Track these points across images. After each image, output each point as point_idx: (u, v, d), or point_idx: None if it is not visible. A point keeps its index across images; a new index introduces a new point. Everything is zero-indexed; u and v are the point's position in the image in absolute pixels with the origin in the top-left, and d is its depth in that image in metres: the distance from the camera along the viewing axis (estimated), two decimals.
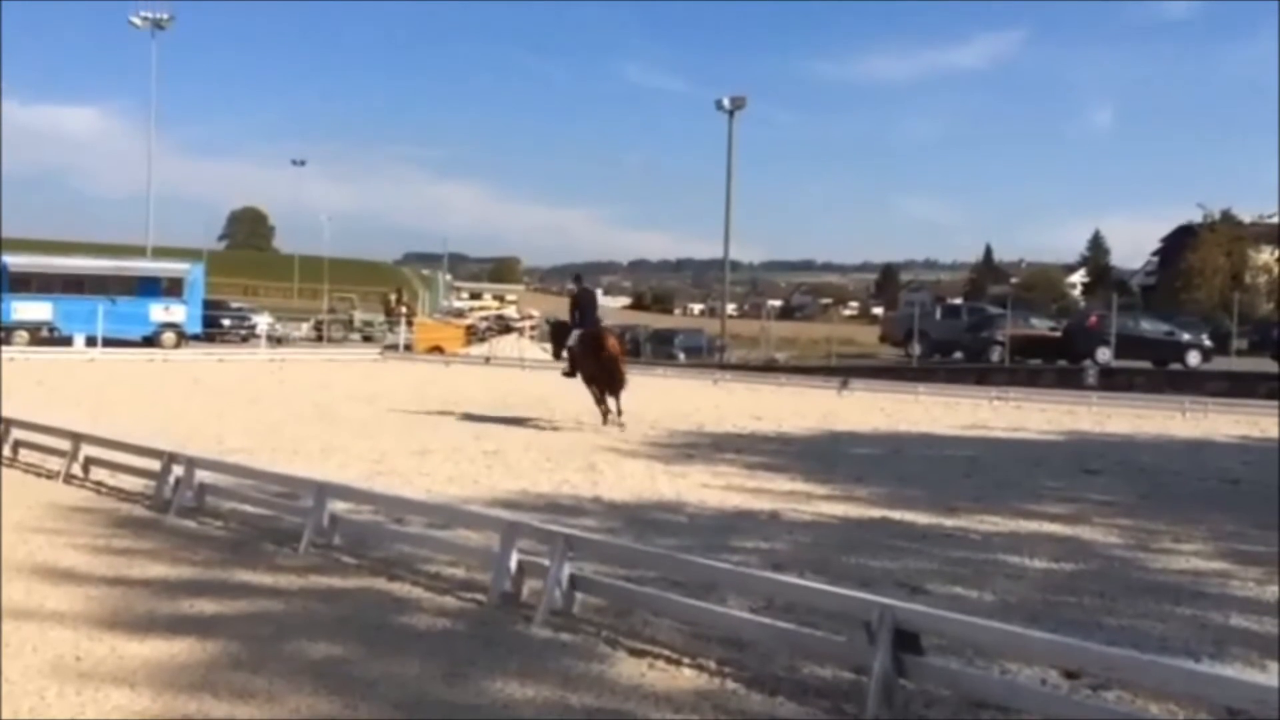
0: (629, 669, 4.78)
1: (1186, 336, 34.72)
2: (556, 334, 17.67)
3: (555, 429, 15.21)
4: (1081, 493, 10.65)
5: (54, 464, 9.82)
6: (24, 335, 34.22)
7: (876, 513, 9.04)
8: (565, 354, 16.25)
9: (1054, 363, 33.53)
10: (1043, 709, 4.17)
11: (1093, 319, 36.37)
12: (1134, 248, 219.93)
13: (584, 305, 16.24)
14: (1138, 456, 14.02)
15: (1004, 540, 8.04)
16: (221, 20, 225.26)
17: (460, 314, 60.47)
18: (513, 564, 5.76)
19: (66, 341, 33.63)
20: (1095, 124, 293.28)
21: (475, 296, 75.62)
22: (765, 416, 18.18)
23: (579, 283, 17.10)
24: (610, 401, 15.38)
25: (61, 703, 4.22)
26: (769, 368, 35.72)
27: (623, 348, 17.82)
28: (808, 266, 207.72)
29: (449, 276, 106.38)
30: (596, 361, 15.36)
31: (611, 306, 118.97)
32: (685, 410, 18.92)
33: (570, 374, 16.15)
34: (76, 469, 9.54)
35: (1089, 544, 8.06)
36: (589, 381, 15.73)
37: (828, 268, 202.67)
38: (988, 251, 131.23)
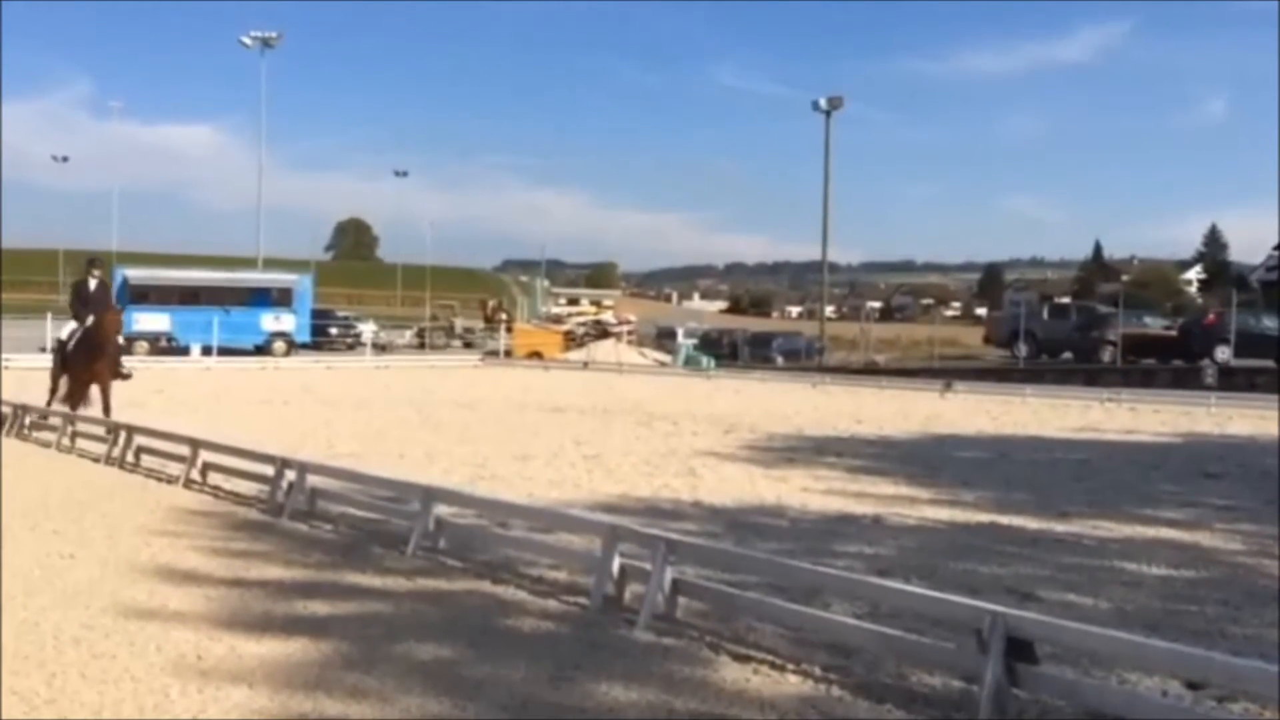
0: (732, 674, 4.76)
1: None
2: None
3: (654, 433, 15.23)
4: (1201, 497, 10.25)
5: (174, 469, 10.19)
6: (144, 345, 35.64)
7: (984, 517, 8.84)
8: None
9: (1169, 363, 32.37)
10: None
11: (1210, 317, 35.05)
12: (1254, 242, 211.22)
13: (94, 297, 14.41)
14: (1261, 460, 13.42)
15: (1119, 546, 7.77)
16: (325, 38, 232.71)
17: (558, 319, 61.07)
18: (615, 568, 5.78)
19: (184, 351, 34.91)
20: (1209, 115, 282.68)
21: (573, 302, 76.21)
22: (866, 420, 17.93)
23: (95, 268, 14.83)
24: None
25: (185, 700, 4.37)
26: (869, 370, 35.24)
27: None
28: (908, 267, 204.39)
29: (547, 282, 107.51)
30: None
31: (708, 310, 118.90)
32: (784, 413, 18.78)
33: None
34: (195, 474, 9.89)
35: (1210, 550, 7.75)
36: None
37: (929, 267, 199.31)
38: (1097, 248, 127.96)
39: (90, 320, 13.86)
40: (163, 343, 36.18)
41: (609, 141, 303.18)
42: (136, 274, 38.13)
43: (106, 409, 13.55)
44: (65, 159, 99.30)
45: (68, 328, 14.54)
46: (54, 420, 13.04)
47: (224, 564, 6.73)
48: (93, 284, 14.48)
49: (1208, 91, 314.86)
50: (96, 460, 11.23)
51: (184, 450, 10.17)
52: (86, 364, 13.77)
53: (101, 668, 4.71)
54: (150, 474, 10.45)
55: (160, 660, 4.84)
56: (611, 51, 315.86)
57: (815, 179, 44.38)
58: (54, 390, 14.32)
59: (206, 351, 33.97)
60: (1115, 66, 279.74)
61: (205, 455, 9.98)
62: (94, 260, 15.07)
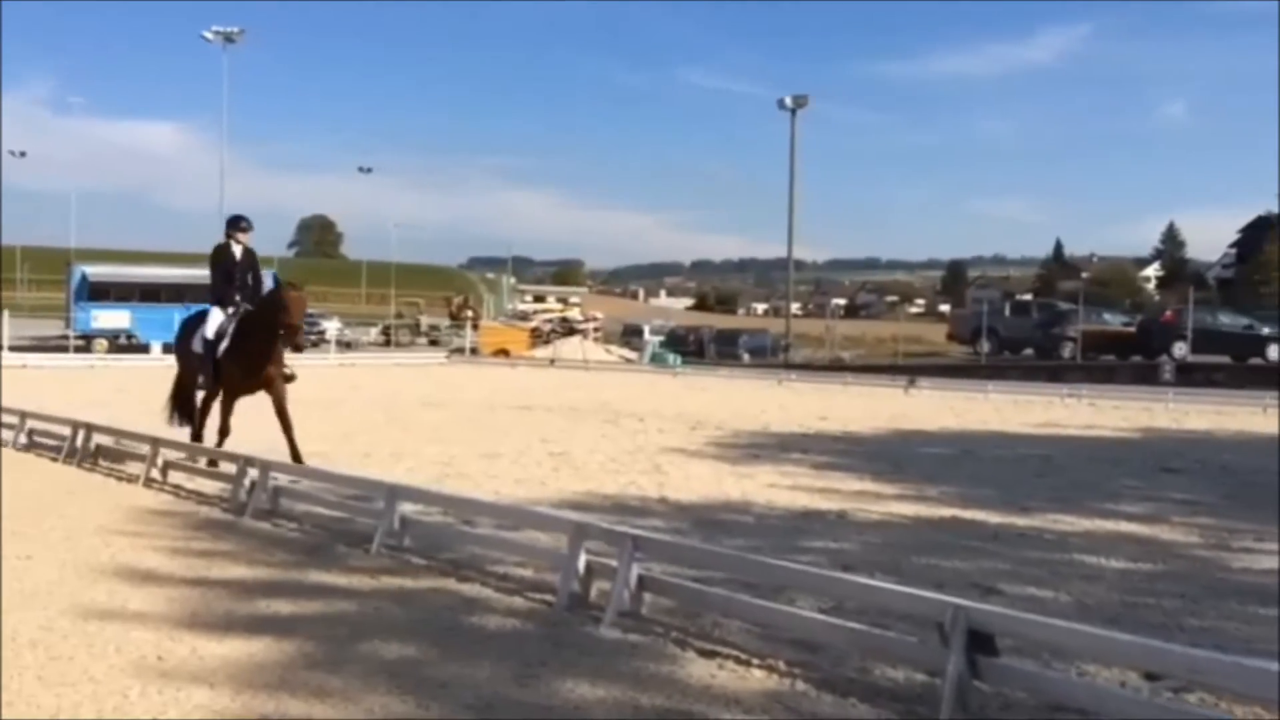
0: (699, 670, 4.77)
1: (1266, 330, 33.74)
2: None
3: (620, 431, 15.23)
4: (1160, 492, 10.40)
5: (134, 469, 10.07)
6: (103, 343, 35.25)
7: (947, 513, 8.92)
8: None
9: (1129, 359, 32.84)
10: (1123, 712, 4.06)
11: (1168, 314, 35.56)
12: (1210, 240, 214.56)
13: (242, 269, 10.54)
14: (1219, 455, 13.64)
15: (1080, 540, 7.87)
16: (291, 35, 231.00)
17: (524, 317, 60.93)
18: (581, 565, 5.77)
19: (144, 349, 34.51)
20: (1169, 116, 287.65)
21: (539, 299, 76.12)
22: (831, 416, 18.03)
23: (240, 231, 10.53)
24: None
25: (145, 701, 4.32)
26: (834, 367, 35.43)
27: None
28: (873, 265, 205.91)
29: (513, 280, 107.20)
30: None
31: (674, 307, 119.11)
32: (751, 411, 18.84)
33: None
34: (155, 473, 9.77)
35: (1169, 544, 7.86)
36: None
37: (893, 265, 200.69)
38: (1058, 246, 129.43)
39: (245, 307, 10.26)
40: (123, 340, 35.78)
41: (578, 140, 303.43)
42: (96, 270, 37.66)
43: (287, 429, 10.04)
44: (23, 154, 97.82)
45: (214, 320, 10.39)
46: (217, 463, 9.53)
47: (185, 564, 6.65)
48: (237, 251, 10.45)
49: (1167, 94, 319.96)
50: (55, 459, 11.07)
51: (144, 449, 10.06)
52: (252, 369, 10.01)
53: (60, 670, 4.65)
54: (110, 473, 10.32)
55: (120, 661, 4.78)
56: (583, 51, 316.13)
57: (784, 177, 44.70)
58: (202, 418, 10.71)
59: (168, 349, 33.50)
60: (1077, 69, 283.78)
61: (166, 453, 9.88)
62: (239, 219, 10.57)
